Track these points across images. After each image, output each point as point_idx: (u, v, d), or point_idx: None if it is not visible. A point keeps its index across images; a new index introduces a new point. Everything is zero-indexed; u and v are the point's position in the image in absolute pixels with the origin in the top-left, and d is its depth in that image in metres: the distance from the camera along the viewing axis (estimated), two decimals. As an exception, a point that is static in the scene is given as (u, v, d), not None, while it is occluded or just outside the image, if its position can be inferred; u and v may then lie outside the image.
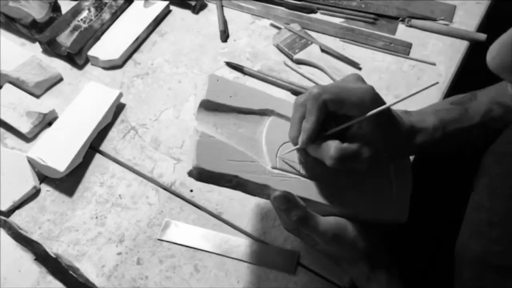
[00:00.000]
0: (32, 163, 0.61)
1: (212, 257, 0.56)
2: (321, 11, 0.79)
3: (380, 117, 0.44)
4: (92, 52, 0.72)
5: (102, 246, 0.57)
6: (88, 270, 0.55)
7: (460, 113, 0.52)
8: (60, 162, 0.59)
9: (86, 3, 0.76)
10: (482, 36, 0.73)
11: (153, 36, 0.76)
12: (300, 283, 0.54)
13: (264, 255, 0.56)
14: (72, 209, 0.60)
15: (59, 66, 0.72)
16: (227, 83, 0.50)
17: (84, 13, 0.75)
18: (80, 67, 0.73)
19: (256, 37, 0.76)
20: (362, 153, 0.44)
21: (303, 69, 0.72)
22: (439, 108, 0.53)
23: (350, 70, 0.71)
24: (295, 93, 0.68)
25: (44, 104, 0.66)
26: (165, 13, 0.79)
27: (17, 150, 0.64)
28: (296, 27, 0.75)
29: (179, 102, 0.69)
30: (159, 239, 0.57)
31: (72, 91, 0.70)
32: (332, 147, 0.43)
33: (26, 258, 0.56)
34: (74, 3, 0.76)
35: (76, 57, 0.71)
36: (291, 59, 0.73)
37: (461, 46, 0.74)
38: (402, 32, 0.76)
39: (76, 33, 0.73)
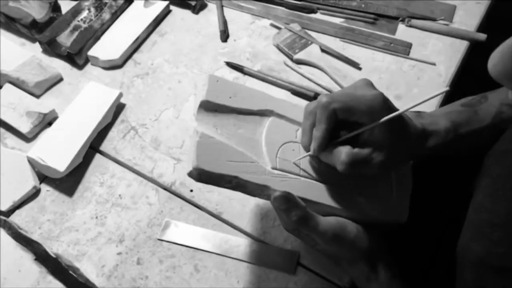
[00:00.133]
0: (32, 163, 0.61)
1: (212, 257, 0.56)
2: (321, 11, 0.79)
3: (391, 124, 0.44)
4: (92, 52, 0.72)
5: (102, 246, 0.57)
6: (88, 270, 0.55)
7: (471, 115, 0.52)
8: (60, 162, 0.59)
9: (86, 3, 0.76)
10: (482, 36, 0.73)
11: (153, 36, 0.76)
12: (300, 283, 0.54)
13: (264, 255, 0.56)
14: (72, 209, 0.60)
15: (59, 66, 0.72)
16: (226, 84, 0.50)
17: (84, 13, 0.75)
18: (80, 67, 0.73)
19: (256, 37, 0.76)
20: (373, 158, 0.44)
21: (303, 69, 0.72)
22: (450, 110, 0.53)
23: (350, 70, 0.71)
24: (295, 93, 0.68)
25: (44, 104, 0.66)
26: (165, 13, 0.79)
27: (17, 150, 0.64)
28: (296, 27, 0.75)
29: (179, 102, 0.69)
30: (159, 239, 0.57)
31: (72, 91, 0.70)
32: (343, 152, 0.44)
33: (26, 258, 0.56)
34: (74, 3, 0.76)
35: (76, 57, 0.71)
36: (291, 59, 0.73)
37: (461, 46, 0.74)
38: (402, 32, 0.76)
39: (76, 33, 0.73)
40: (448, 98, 0.69)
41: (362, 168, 0.45)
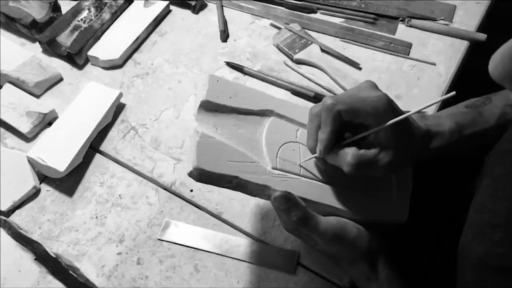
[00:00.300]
0: (32, 163, 0.61)
1: (212, 257, 0.56)
2: (321, 11, 0.79)
3: (396, 126, 0.44)
4: (92, 52, 0.72)
5: (102, 246, 0.57)
6: (88, 270, 0.55)
7: (475, 116, 0.52)
8: (60, 162, 0.59)
9: (86, 3, 0.76)
10: (482, 36, 0.73)
11: (153, 36, 0.76)
12: (300, 283, 0.54)
13: (264, 255, 0.56)
14: (72, 209, 0.60)
15: (59, 66, 0.72)
16: (227, 84, 0.50)
17: (84, 13, 0.75)
18: (80, 67, 0.73)
19: (256, 37, 0.76)
20: (379, 159, 0.45)
21: (303, 69, 0.72)
22: (455, 112, 0.53)
23: (350, 70, 0.71)
24: (295, 93, 0.68)
25: (44, 104, 0.66)
26: (165, 13, 0.79)
27: (17, 150, 0.64)
28: (296, 27, 0.75)
29: (179, 102, 0.69)
30: (159, 239, 0.57)
31: (72, 91, 0.70)
32: (349, 154, 0.44)
33: (26, 258, 0.56)
34: (74, 3, 0.76)
35: (76, 57, 0.71)
36: (291, 59, 0.73)
37: (461, 46, 0.74)
38: (402, 32, 0.76)
39: (76, 33, 0.73)
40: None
41: (368, 170, 0.45)
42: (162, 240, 0.57)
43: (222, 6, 0.79)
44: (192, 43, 0.75)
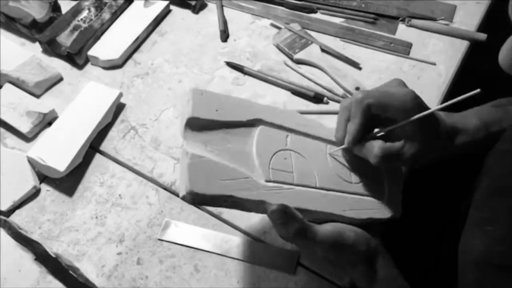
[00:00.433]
0: (32, 163, 0.61)
1: (212, 257, 0.56)
2: (321, 11, 0.79)
3: (422, 120, 0.46)
4: (92, 52, 0.72)
5: (102, 246, 0.57)
6: (88, 270, 0.55)
7: (501, 115, 0.53)
8: (60, 162, 0.59)
9: (86, 3, 0.76)
10: (482, 36, 0.73)
11: (153, 36, 0.76)
12: (300, 283, 0.54)
13: (264, 255, 0.56)
14: (72, 209, 0.60)
15: (59, 66, 0.72)
16: (211, 96, 0.48)
17: (84, 13, 0.75)
18: (80, 67, 0.73)
19: (256, 37, 0.76)
20: (405, 152, 0.47)
21: (303, 69, 0.72)
22: (481, 110, 0.54)
23: (350, 70, 0.71)
24: (295, 93, 0.68)
25: (44, 104, 0.66)
26: (165, 13, 0.79)
27: (17, 150, 0.64)
28: (296, 27, 0.75)
29: (179, 102, 0.69)
30: (159, 239, 0.57)
31: (72, 91, 0.70)
32: (376, 146, 0.46)
33: (26, 258, 0.56)
34: (74, 3, 0.76)
35: (76, 57, 0.71)
36: (291, 59, 0.73)
37: (461, 46, 0.74)
38: (402, 32, 0.76)
39: (76, 33, 0.73)
40: (449, 98, 0.69)
41: (394, 161, 0.47)
42: (162, 240, 0.57)
43: (222, 6, 0.79)
44: (192, 43, 0.75)
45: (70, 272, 0.54)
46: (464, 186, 0.55)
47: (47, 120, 0.66)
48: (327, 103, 0.67)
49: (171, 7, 0.80)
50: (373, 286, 0.47)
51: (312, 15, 0.78)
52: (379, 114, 0.47)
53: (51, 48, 0.72)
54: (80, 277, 0.54)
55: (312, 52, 0.72)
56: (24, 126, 0.64)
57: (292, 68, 0.72)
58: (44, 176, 0.62)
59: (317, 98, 0.67)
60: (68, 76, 0.72)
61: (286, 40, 0.73)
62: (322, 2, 0.79)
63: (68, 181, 0.61)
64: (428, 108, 0.47)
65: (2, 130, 0.66)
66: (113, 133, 0.66)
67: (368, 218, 0.49)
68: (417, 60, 0.72)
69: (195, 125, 0.46)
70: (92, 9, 0.75)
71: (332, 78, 0.70)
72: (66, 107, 0.65)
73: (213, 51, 0.74)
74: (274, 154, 0.48)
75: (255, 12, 0.79)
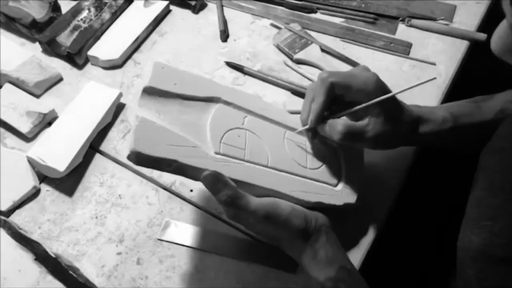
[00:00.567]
0: (32, 163, 0.61)
1: (212, 257, 0.56)
2: (321, 11, 0.79)
3: (385, 104, 0.48)
4: (92, 52, 0.72)
5: (102, 246, 0.57)
6: (88, 270, 0.55)
7: (473, 109, 0.54)
8: (60, 162, 0.59)
9: (86, 3, 0.76)
10: (482, 36, 0.73)
11: (153, 36, 0.76)
12: (300, 283, 0.54)
13: (264, 255, 0.56)
14: (72, 209, 0.60)
15: (59, 66, 0.72)
16: (172, 71, 0.49)
17: (84, 13, 0.75)
18: (80, 67, 0.73)
19: (256, 37, 0.76)
20: (368, 130, 0.48)
21: (303, 69, 0.72)
22: (452, 105, 0.55)
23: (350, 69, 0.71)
24: (295, 93, 0.68)
25: (44, 104, 0.66)
26: (165, 13, 0.79)
27: (17, 150, 0.64)
28: (296, 27, 0.75)
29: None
30: (159, 239, 0.57)
31: (72, 91, 0.70)
32: (339, 123, 0.48)
33: (26, 258, 0.56)
34: (74, 3, 0.76)
35: (76, 57, 0.71)
36: (291, 59, 0.73)
37: (461, 46, 0.74)
38: (402, 32, 0.76)
39: (76, 33, 0.73)
40: (449, 98, 0.69)
41: (356, 140, 0.49)
42: (162, 240, 0.57)
43: (222, 6, 0.79)
44: (192, 43, 0.75)
45: (70, 272, 0.54)
46: (464, 182, 0.55)
47: (47, 120, 0.66)
48: None
49: (171, 7, 0.80)
50: (311, 263, 0.47)
51: (312, 15, 0.78)
52: (342, 95, 0.48)
53: (51, 48, 0.72)
54: (80, 277, 0.54)
55: (312, 52, 0.72)
56: (24, 126, 0.64)
57: (292, 68, 0.72)
58: (44, 176, 0.62)
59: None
60: (68, 76, 0.72)
61: (286, 40, 0.73)
62: (322, 2, 0.79)
63: (68, 181, 0.61)
64: (390, 91, 0.49)
65: (2, 130, 0.66)
66: (113, 133, 0.66)
67: (317, 202, 0.50)
68: (417, 60, 0.72)
69: (152, 94, 0.47)
70: (92, 9, 0.75)
71: (332, 78, 0.70)
72: (66, 107, 0.65)
73: (213, 51, 0.74)
74: (228, 131, 0.49)
75: (255, 12, 0.79)
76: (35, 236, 0.57)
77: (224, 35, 0.76)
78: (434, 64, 0.71)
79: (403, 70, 0.71)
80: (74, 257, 0.56)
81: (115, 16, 0.76)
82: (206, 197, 0.60)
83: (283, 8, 0.79)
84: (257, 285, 0.54)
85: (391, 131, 0.49)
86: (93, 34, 0.73)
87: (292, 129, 0.54)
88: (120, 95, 0.66)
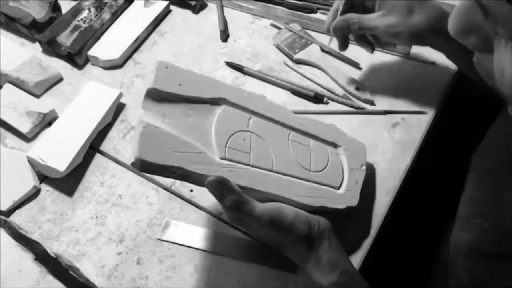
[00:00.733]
0: (32, 163, 0.61)
1: (212, 257, 0.56)
2: (321, 11, 0.79)
3: None
4: (92, 52, 0.72)
5: (102, 246, 0.57)
6: (88, 270, 0.55)
7: None
8: (60, 162, 0.59)
9: (86, 3, 0.76)
10: (482, 36, 0.73)
11: (153, 36, 0.76)
12: (300, 282, 0.54)
13: (264, 255, 0.56)
14: (72, 209, 0.60)
15: (59, 66, 0.72)
16: (176, 71, 0.48)
17: (84, 13, 0.75)
18: (80, 67, 0.73)
19: (256, 37, 0.76)
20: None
21: (303, 69, 0.72)
22: None
23: (350, 70, 0.71)
24: (295, 93, 0.68)
25: (44, 104, 0.66)
26: (165, 13, 0.79)
27: (17, 150, 0.64)
28: (296, 27, 0.75)
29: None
30: (159, 239, 0.57)
31: (72, 91, 0.70)
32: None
33: (26, 258, 0.56)
34: (74, 3, 0.76)
35: (76, 57, 0.71)
36: (291, 59, 0.73)
37: (461, 46, 0.73)
38: (402, 32, 0.76)
39: (76, 33, 0.73)
40: (449, 98, 0.69)
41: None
42: (162, 240, 0.57)
43: (222, 6, 0.79)
44: (192, 43, 0.75)
45: (70, 272, 0.54)
46: (457, 182, 0.56)
47: (47, 120, 0.66)
48: (327, 103, 0.67)
49: (171, 7, 0.80)
50: (314, 269, 0.47)
51: (312, 15, 0.78)
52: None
53: (51, 48, 0.72)
54: (80, 277, 0.54)
55: (312, 52, 0.72)
56: (24, 126, 0.64)
57: (292, 68, 0.72)
58: (44, 176, 0.62)
59: (317, 98, 0.67)
60: (68, 76, 0.72)
61: (286, 40, 0.73)
62: (322, 2, 0.79)
63: (68, 181, 0.61)
64: None
65: (2, 130, 0.66)
66: (113, 133, 0.66)
67: (320, 206, 0.50)
68: (417, 60, 0.72)
69: (156, 96, 0.46)
70: (92, 9, 0.75)
71: (332, 78, 0.70)
72: (66, 107, 0.65)
73: (213, 51, 0.74)
74: (233, 134, 0.48)
75: (255, 12, 0.79)
76: (35, 236, 0.57)
77: (224, 35, 0.76)
78: (434, 64, 0.71)
79: (403, 70, 0.71)
80: (74, 257, 0.56)
81: (115, 16, 0.76)
82: (206, 197, 0.60)
83: (283, 8, 0.79)
84: (257, 285, 0.54)
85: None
86: (93, 34, 0.73)
87: (296, 130, 0.54)
88: (120, 95, 0.66)
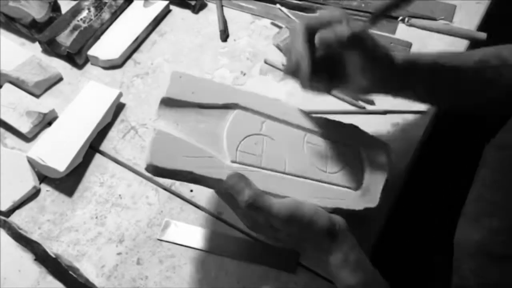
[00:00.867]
0: (32, 163, 0.61)
1: (212, 257, 0.56)
2: (321, 10, 0.79)
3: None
4: (92, 51, 0.72)
5: (102, 246, 0.57)
6: (88, 270, 0.55)
7: (452, 54, 0.54)
8: (60, 162, 0.59)
9: (86, 3, 0.76)
10: (482, 35, 0.73)
11: (153, 36, 0.76)
12: (300, 283, 0.54)
13: (264, 255, 0.56)
14: (72, 209, 0.60)
15: (59, 65, 0.72)
16: (190, 79, 0.50)
17: (84, 13, 0.75)
18: (80, 66, 0.73)
19: (256, 37, 0.76)
20: (340, 30, 0.46)
21: (303, 68, 0.72)
22: (433, 53, 0.54)
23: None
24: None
25: (44, 104, 0.66)
26: (165, 12, 0.79)
27: (17, 150, 0.64)
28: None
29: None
30: (159, 239, 0.57)
31: (72, 91, 0.70)
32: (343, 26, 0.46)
33: (26, 258, 0.56)
34: (74, 3, 0.76)
35: (76, 57, 0.71)
36: (291, 59, 0.72)
37: (461, 45, 0.73)
38: (402, 31, 0.76)
39: (76, 33, 0.73)
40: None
41: (358, 40, 0.46)
42: (162, 240, 0.57)
43: (222, 6, 0.79)
44: (192, 43, 0.75)
45: (70, 272, 0.54)
46: (464, 178, 0.55)
47: (47, 120, 0.66)
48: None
49: (171, 7, 0.80)
50: (340, 267, 0.46)
51: (312, 15, 0.78)
52: (316, 28, 0.47)
53: (51, 48, 0.72)
54: (80, 277, 0.54)
55: (312, 52, 0.72)
56: (24, 126, 0.64)
57: (292, 68, 0.72)
58: (44, 176, 0.62)
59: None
60: (68, 76, 0.72)
61: (286, 40, 0.73)
62: (322, 2, 0.79)
63: (68, 181, 0.61)
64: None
65: (2, 130, 0.66)
66: (113, 133, 0.66)
67: (336, 208, 0.49)
68: (417, 59, 0.72)
69: (170, 104, 0.48)
70: (92, 9, 0.75)
71: (332, 78, 0.70)
72: (66, 107, 0.65)
73: (213, 51, 0.74)
74: (244, 138, 0.49)
75: (255, 12, 0.79)
76: (35, 236, 0.57)
77: (224, 35, 0.76)
78: (434, 64, 0.71)
79: (403, 70, 0.71)
80: (74, 257, 0.56)
81: (115, 16, 0.76)
82: (206, 197, 0.60)
83: (283, 8, 0.79)
84: (257, 285, 0.54)
85: (375, 52, 0.48)
86: (93, 34, 0.73)
87: (312, 131, 0.53)
88: (120, 95, 0.66)
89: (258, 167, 0.48)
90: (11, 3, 0.72)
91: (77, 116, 0.64)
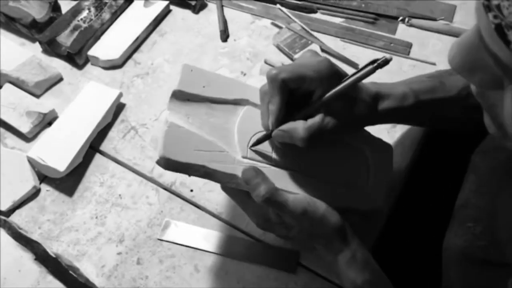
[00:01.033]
0: (32, 163, 0.61)
1: (212, 257, 0.56)
2: (321, 11, 0.79)
3: (340, 91, 0.44)
4: (92, 52, 0.72)
5: (102, 246, 0.57)
6: (88, 270, 0.55)
7: (434, 84, 0.50)
8: (60, 162, 0.59)
9: (86, 3, 0.76)
10: (482, 36, 0.73)
11: (153, 36, 0.76)
12: (300, 282, 0.54)
13: (264, 255, 0.56)
14: (72, 209, 0.60)
15: (59, 66, 0.72)
16: (201, 73, 0.49)
17: (84, 13, 0.75)
18: (80, 67, 0.73)
19: (256, 37, 0.76)
20: (327, 123, 0.44)
21: (303, 69, 0.72)
22: (412, 80, 0.51)
23: (350, 70, 0.71)
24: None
25: (44, 104, 0.66)
26: (165, 13, 0.79)
27: (17, 150, 0.64)
28: (296, 26, 0.75)
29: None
30: (159, 239, 0.57)
31: (72, 91, 0.70)
32: (300, 129, 0.44)
33: (26, 258, 0.56)
34: (74, 3, 0.76)
35: (76, 57, 0.71)
36: (291, 59, 0.73)
37: (461, 46, 0.73)
38: (402, 31, 0.76)
39: (76, 33, 0.73)
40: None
41: (319, 136, 0.45)
42: (162, 240, 0.57)
43: (222, 6, 0.79)
44: (192, 43, 0.75)
45: (70, 272, 0.54)
46: (454, 184, 0.55)
47: (47, 120, 0.66)
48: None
49: (171, 7, 0.80)
50: (347, 266, 0.46)
51: (312, 15, 0.78)
52: (297, 88, 0.45)
53: (51, 48, 0.72)
54: (80, 277, 0.54)
55: (312, 52, 0.72)
56: (24, 126, 0.64)
57: (292, 68, 0.72)
58: (44, 176, 0.62)
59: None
60: (68, 76, 0.72)
61: (286, 40, 0.73)
62: (322, 2, 0.79)
63: (68, 181, 0.61)
64: (345, 74, 0.45)
65: (2, 130, 0.66)
66: (113, 133, 0.66)
67: (340, 206, 0.49)
68: (417, 60, 0.72)
69: (180, 97, 0.48)
70: (92, 9, 0.75)
71: (332, 78, 0.70)
72: (66, 107, 0.65)
73: (213, 51, 0.74)
74: (255, 134, 0.48)
75: (255, 12, 0.79)
76: (35, 236, 0.57)
77: (224, 35, 0.76)
78: (434, 64, 0.71)
79: (403, 70, 0.71)
80: (74, 257, 0.56)
81: (115, 16, 0.76)
82: (206, 197, 0.60)
83: (283, 8, 0.79)
84: (257, 285, 0.54)
85: (348, 116, 0.46)
86: (93, 34, 0.73)
87: None
88: (120, 95, 0.66)
89: (269, 164, 0.48)
90: (11, 3, 0.72)
91: (77, 116, 0.64)
